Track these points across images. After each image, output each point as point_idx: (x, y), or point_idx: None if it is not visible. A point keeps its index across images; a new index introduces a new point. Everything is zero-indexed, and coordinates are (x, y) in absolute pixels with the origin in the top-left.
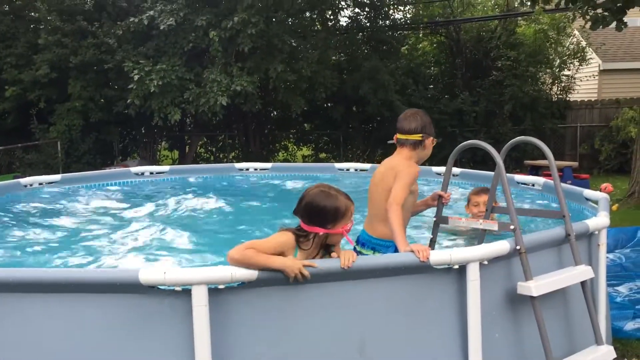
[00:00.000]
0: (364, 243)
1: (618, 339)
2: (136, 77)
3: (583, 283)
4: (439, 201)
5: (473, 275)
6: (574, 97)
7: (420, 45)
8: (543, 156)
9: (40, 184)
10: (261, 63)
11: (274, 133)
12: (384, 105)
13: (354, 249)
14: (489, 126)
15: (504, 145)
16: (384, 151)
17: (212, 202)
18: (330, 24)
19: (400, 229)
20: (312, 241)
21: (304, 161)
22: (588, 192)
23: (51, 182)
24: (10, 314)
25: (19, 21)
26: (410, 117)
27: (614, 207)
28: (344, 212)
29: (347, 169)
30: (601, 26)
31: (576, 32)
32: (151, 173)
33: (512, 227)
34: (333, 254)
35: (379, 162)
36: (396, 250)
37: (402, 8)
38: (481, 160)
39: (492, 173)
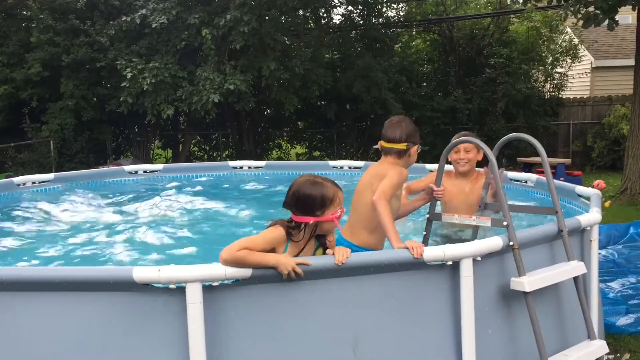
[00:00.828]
0: None
1: (611, 334)
2: (129, 75)
3: (576, 278)
4: (432, 197)
5: (466, 271)
6: (566, 94)
7: (414, 43)
8: (536, 153)
9: (33, 183)
10: (254, 61)
11: (267, 131)
12: (377, 103)
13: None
14: (482, 123)
15: (497, 142)
16: (377, 149)
17: (205, 200)
18: (323, 22)
19: (392, 225)
20: (304, 232)
21: (297, 159)
22: (580, 189)
23: (44, 181)
24: (4, 313)
25: (11, 19)
26: (395, 125)
27: (606, 204)
28: (332, 198)
29: (341, 167)
30: (593, 24)
31: (568, 29)
32: (145, 171)
33: (505, 223)
34: (329, 251)
35: (373, 160)
36: None
37: (395, 6)
38: None
39: (485, 170)
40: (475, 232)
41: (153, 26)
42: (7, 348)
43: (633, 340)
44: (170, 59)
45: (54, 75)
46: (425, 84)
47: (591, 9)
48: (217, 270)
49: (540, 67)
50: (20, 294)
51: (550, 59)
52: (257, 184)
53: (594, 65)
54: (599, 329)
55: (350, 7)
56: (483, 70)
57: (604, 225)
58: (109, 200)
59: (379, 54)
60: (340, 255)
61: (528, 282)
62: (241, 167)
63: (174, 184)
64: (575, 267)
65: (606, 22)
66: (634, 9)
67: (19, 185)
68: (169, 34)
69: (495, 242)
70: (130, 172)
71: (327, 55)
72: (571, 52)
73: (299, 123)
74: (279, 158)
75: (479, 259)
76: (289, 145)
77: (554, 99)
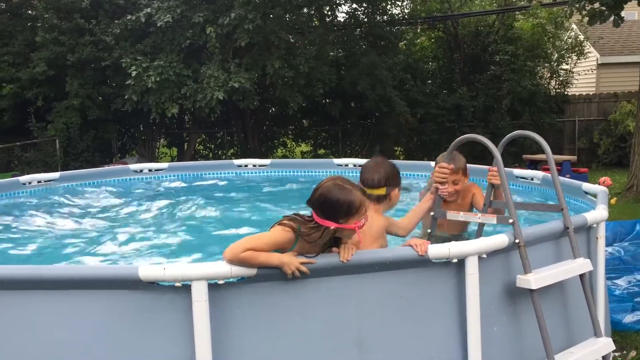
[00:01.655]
0: None
1: (617, 331)
2: (134, 73)
3: (582, 276)
4: (436, 195)
5: (472, 269)
6: (572, 91)
7: (418, 40)
8: (541, 150)
9: (39, 181)
10: (259, 59)
11: (272, 129)
12: (382, 101)
13: None
14: (487, 121)
15: (502, 139)
16: (382, 147)
17: (210, 198)
18: (327, 19)
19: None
20: (322, 234)
21: (302, 157)
22: (587, 186)
23: (50, 180)
24: (13, 311)
25: (16, 19)
26: (373, 169)
27: (613, 201)
28: (358, 207)
29: (346, 165)
30: (598, 21)
31: (574, 26)
32: (150, 170)
33: (510, 220)
34: (334, 249)
35: None
36: None
37: (399, 3)
38: (479, 155)
39: (489, 167)
40: (481, 230)
41: (158, 25)
42: (14, 346)
43: (639, 337)
44: (175, 58)
45: (59, 74)
46: (430, 81)
47: (596, 5)
48: (222, 269)
49: (546, 64)
50: (26, 293)
51: (556, 55)
52: (262, 182)
53: (599, 62)
54: (605, 327)
55: (354, 5)
56: (488, 68)
57: (610, 223)
58: (115, 199)
59: (384, 52)
60: (345, 252)
61: (534, 280)
62: (246, 166)
63: (179, 182)
64: (581, 265)
65: (612, 18)
66: (639, 5)
67: (24, 184)
68: (173, 32)
69: (500, 239)
70: (136, 171)
71: (331, 53)
72: (577, 48)
73: (304, 121)
74: (284, 156)
75: (484, 256)
76: (293, 143)
77: (559, 96)
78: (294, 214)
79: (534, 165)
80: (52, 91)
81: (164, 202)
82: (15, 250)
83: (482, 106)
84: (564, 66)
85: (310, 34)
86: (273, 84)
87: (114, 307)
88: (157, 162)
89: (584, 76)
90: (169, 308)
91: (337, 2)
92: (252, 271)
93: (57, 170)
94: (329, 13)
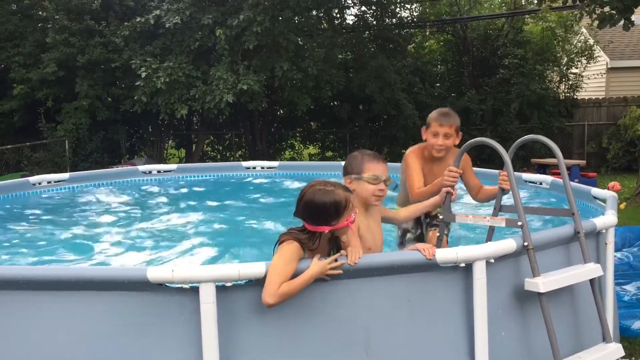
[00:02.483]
0: None
1: (626, 337)
2: (144, 75)
3: (592, 281)
4: (447, 198)
5: (479, 273)
6: (581, 95)
7: (427, 43)
8: (550, 154)
9: (48, 182)
10: (267, 61)
11: (280, 132)
12: (390, 104)
13: None
14: (495, 124)
15: (510, 143)
16: (390, 149)
17: (218, 200)
18: (336, 22)
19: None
20: (319, 240)
21: (310, 160)
22: (596, 191)
23: (59, 181)
24: (21, 312)
25: (27, 20)
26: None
27: (622, 206)
28: (345, 204)
29: None
30: (608, 25)
31: (584, 29)
32: (159, 171)
33: (519, 223)
34: (342, 252)
35: (385, 161)
36: None
37: (408, 6)
38: (488, 159)
39: (499, 171)
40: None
41: (167, 26)
42: (21, 347)
43: None
44: (184, 59)
45: (69, 75)
46: (438, 84)
47: (606, 9)
48: (230, 271)
49: (555, 68)
50: (34, 293)
51: (565, 59)
52: (270, 184)
53: (609, 66)
54: (614, 332)
55: (363, 8)
56: (497, 71)
57: (619, 228)
58: (123, 200)
59: (393, 55)
60: (353, 255)
61: (542, 283)
62: (254, 168)
63: (188, 184)
64: (591, 270)
65: (622, 22)
66: None
67: (34, 184)
68: (182, 34)
69: (508, 244)
70: (144, 172)
71: (340, 56)
72: (586, 52)
73: (312, 123)
74: (292, 158)
75: (492, 261)
76: (301, 145)
77: (568, 99)
78: (289, 229)
79: (543, 169)
80: (62, 92)
81: (172, 204)
82: (23, 250)
83: (491, 110)
84: (574, 70)
85: (319, 36)
86: (281, 86)
87: (121, 309)
88: (166, 163)
89: (593, 80)
90: (176, 310)
91: (346, 4)
92: (260, 273)
93: (66, 171)
94: (338, 16)
